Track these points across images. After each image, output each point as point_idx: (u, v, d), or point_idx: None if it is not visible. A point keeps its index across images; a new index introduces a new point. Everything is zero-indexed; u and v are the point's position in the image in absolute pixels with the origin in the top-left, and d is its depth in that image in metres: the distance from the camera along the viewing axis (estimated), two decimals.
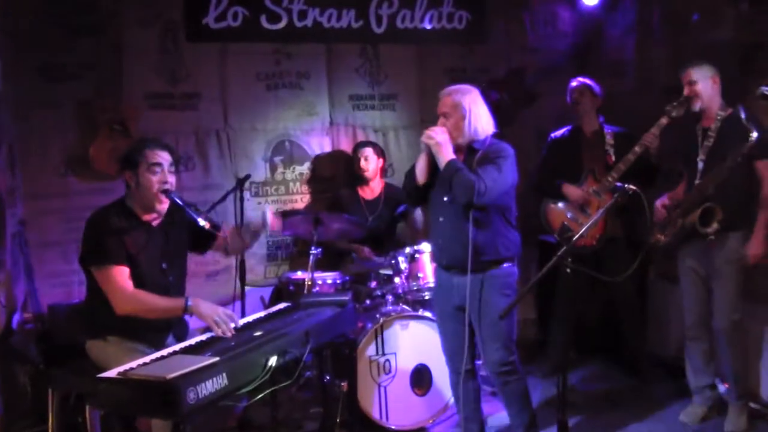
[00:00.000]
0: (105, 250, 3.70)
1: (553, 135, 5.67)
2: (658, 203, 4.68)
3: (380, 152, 6.00)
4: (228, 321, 3.65)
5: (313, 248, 5.08)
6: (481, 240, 4.00)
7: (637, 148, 4.93)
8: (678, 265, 4.78)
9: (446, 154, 3.97)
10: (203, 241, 4.21)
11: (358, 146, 5.99)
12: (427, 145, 4.03)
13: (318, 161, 6.30)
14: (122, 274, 3.70)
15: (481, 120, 4.09)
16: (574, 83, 5.56)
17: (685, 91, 4.54)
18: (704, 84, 4.50)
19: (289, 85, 6.19)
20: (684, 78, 4.56)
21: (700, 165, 4.51)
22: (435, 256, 4.39)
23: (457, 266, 4.07)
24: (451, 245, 4.08)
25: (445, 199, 4.07)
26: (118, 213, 3.83)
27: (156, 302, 3.73)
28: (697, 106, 4.54)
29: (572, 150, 5.47)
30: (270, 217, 4.29)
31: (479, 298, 4.04)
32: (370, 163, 5.87)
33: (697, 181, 4.50)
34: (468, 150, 4.10)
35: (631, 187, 3.61)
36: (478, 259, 4.01)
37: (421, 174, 4.14)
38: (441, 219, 4.13)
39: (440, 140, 3.98)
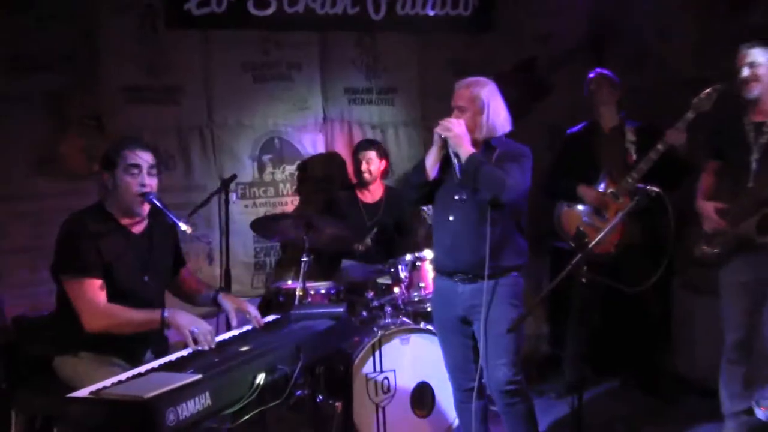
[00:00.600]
0: (79, 261, 3.68)
1: (569, 131, 5.66)
2: (710, 209, 4.53)
3: (383, 153, 6.00)
4: (208, 335, 3.64)
5: (304, 255, 5.06)
6: (494, 244, 4.00)
7: (660, 147, 4.92)
8: (721, 279, 4.60)
9: (468, 147, 3.99)
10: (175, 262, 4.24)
11: (360, 148, 5.99)
12: (441, 137, 4.02)
13: (310, 160, 6.29)
14: (95, 288, 3.68)
15: (499, 116, 4.11)
16: (591, 74, 5.55)
17: (744, 73, 4.37)
18: (767, 68, 4.35)
19: (279, 77, 6.18)
20: (742, 60, 4.38)
21: (754, 165, 4.36)
22: (438, 261, 4.35)
23: (466, 272, 4.08)
24: (461, 248, 4.07)
25: (457, 197, 4.07)
26: (95, 218, 3.82)
27: (130, 316, 3.69)
28: (754, 92, 4.38)
29: (589, 148, 5.46)
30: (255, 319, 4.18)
31: (487, 309, 4.03)
32: (372, 166, 5.88)
33: (750, 185, 4.37)
34: (485, 146, 4.12)
35: (654, 188, 3.60)
36: (486, 266, 3.99)
37: (431, 168, 4.14)
38: (451, 218, 4.11)
39: (459, 132, 3.99)
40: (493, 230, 3.98)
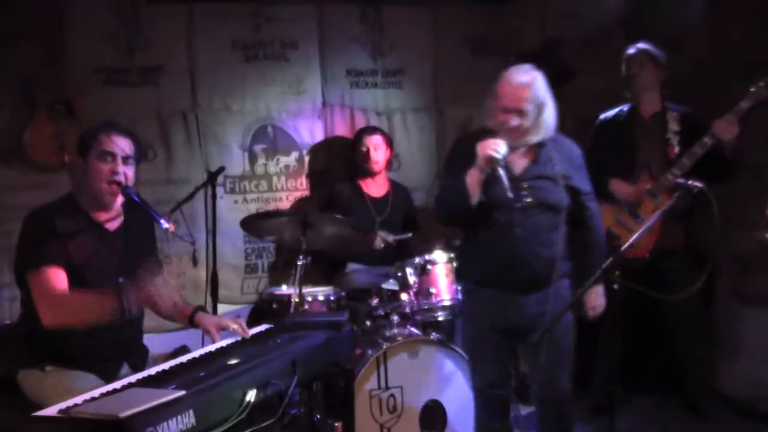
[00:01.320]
0: (39, 251, 3.67)
1: (602, 116, 5.61)
2: None
3: (389, 142, 5.99)
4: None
5: (300, 257, 5.03)
6: (561, 250, 4.09)
7: (706, 140, 4.89)
8: None
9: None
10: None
11: (364, 133, 5.99)
12: (492, 157, 4.00)
13: (308, 151, 6.28)
14: (53, 275, 3.67)
15: (553, 113, 4.12)
16: (631, 50, 5.45)
17: None
18: None
19: (272, 56, 6.20)
20: None
21: None
22: (487, 274, 4.30)
23: (533, 280, 4.11)
24: (529, 257, 4.09)
25: (519, 204, 4.09)
26: (63, 211, 3.81)
27: (88, 301, 3.68)
28: None
29: (625, 137, 5.39)
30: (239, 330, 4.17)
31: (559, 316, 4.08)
32: (380, 153, 5.87)
33: None
34: (537, 147, 4.15)
35: (696, 183, 3.56)
36: (555, 273, 4.08)
37: (475, 192, 4.11)
38: (518, 230, 4.11)
39: (505, 153, 3.99)
40: (560, 236, 4.10)
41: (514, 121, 4.03)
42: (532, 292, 4.12)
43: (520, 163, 4.15)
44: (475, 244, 4.29)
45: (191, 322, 4.08)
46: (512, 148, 4.04)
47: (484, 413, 4.39)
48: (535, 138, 4.09)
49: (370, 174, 5.94)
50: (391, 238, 5.64)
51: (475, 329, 4.35)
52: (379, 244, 5.65)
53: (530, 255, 4.08)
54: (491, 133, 4.06)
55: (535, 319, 4.08)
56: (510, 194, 3.96)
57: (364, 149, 5.89)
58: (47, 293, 3.65)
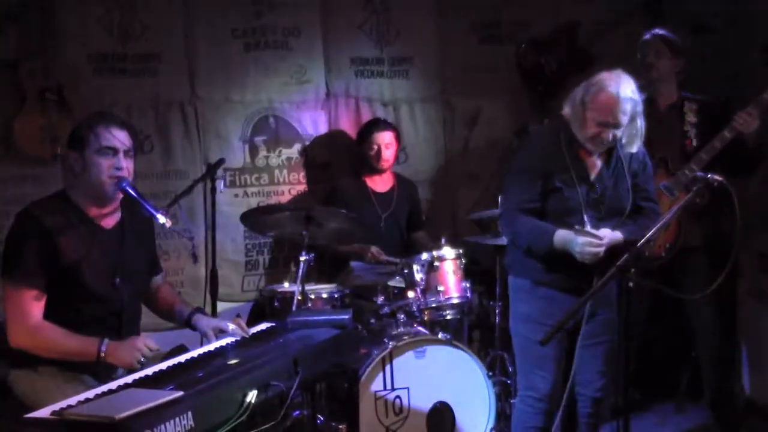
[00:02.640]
0: (20, 265, 3.66)
1: None
2: None
3: (399, 136, 5.99)
4: (143, 347, 3.63)
5: (303, 254, 5.04)
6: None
7: (726, 133, 4.87)
8: None
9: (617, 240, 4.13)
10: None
11: (374, 129, 5.96)
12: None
13: (311, 143, 6.29)
14: (31, 301, 3.66)
15: (643, 120, 4.22)
16: (647, 37, 5.44)
17: None
18: None
19: (274, 44, 6.19)
20: None
21: None
22: (546, 273, 4.34)
23: (588, 282, 4.10)
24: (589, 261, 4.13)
25: (590, 213, 4.19)
26: (56, 208, 3.78)
27: (60, 340, 3.67)
28: None
29: None
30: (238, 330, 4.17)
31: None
32: (390, 151, 5.88)
33: None
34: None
35: (716, 177, 3.56)
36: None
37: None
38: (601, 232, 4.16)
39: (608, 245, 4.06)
40: None
41: (610, 136, 4.10)
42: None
43: (595, 165, 4.23)
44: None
45: (188, 324, 4.09)
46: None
47: (525, 415, 4.45)
48: (631, 149, 4.22)
49: (378, 172, 5.96)
50: (383, 257, 5.65)
51: (532, 330, 4.32)
52: (369, 260, 5.66)
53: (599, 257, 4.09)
54: (568, 136, 4.20)
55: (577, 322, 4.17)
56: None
57: (375, 147, 5.89)
58: (18, 317, 3.65)
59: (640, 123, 4.13)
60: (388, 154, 5.89)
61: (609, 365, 4.35)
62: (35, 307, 3.66)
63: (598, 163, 4.23)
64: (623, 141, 4.17)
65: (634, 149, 4.19)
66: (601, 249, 4.00)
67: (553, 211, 4.20)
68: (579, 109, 4.12)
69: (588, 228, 4.05)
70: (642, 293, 4.13)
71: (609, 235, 4.06)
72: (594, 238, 4.00)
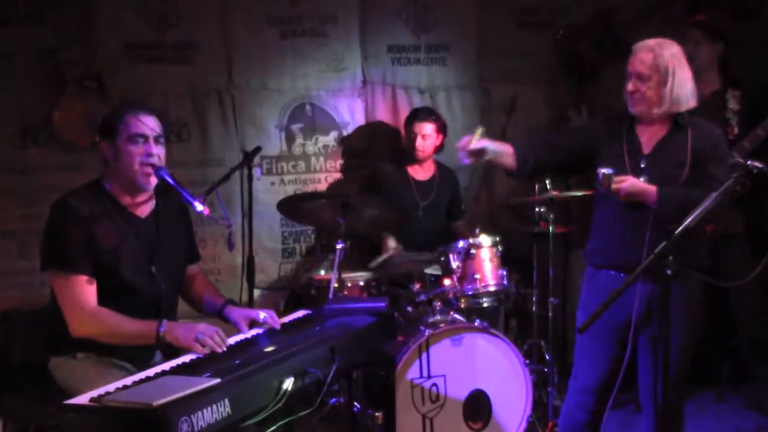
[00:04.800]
0: (66, 252, 3.66)
1: None
2: None
3: (442, 127, 5.96)
4: (215, 335, 3.62)
5: (340, 242, 5.05)
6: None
7: None
8: None
9: (647, 194, 4.00)
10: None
11: (415, 118, 5.92)
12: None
13: (349, 131, 6.29)
14: (82, 285, 3.67)
15: (684, 87, 4.07)
16: (686, 26, 5.39)
17: None
18: None
19: (311, 32, 6.19)
20: None
21: None
22: (606, 256, 4.25)
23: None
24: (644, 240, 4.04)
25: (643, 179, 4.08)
26: (91, 198, 3.78)
27: (120, 324, 3.67)
28: None
29: None
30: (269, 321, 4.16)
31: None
32: (428, 142, 5.86)
33: None
34: (674, 126, 4.11)
35: (756, 164, 3.52)
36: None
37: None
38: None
39: (630, 189, 3.99)
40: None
41: (631, 86, 4.05)
42: (651, 282, 3.99)
43: (652, 138, 4.13)
44: (598, 223, 4.28)
45: (220, 316, 4.09)
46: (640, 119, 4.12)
47: (569, 406, 4.40)
48: (656, 109, 4.05)
49: (415, 160, 5.95)
50: (393, 246, 5.67)
51: (582, 318, 4.27)
52: (385, 249, 5.67)
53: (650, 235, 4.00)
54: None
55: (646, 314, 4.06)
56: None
57: (412, 136, 5.88)
58: (75, 305, 3.66)
59: (668, 89, 4.00)
60: (424, 145, 5.87)
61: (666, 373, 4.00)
62: (89, 292, 3.67)
63: (656, 137, 4.12)
64: (670, 101, 4.03)
65: (682, 107, 4.04)
66: (621, 184, 3.94)
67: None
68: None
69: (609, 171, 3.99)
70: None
71: (633, 180, 3.98)
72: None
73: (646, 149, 4.11)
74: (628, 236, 4.07)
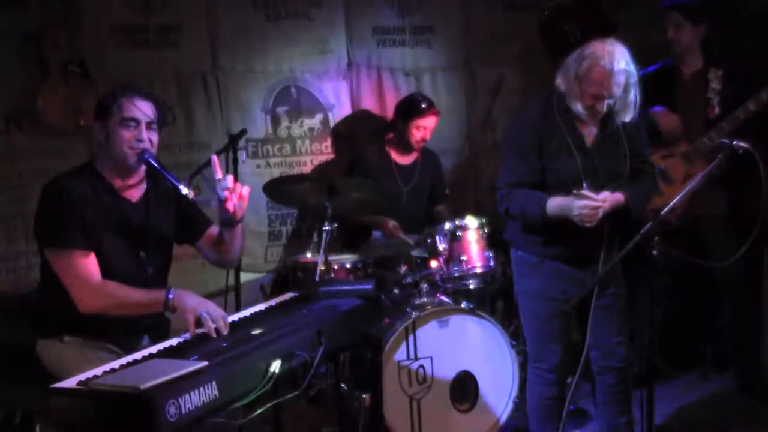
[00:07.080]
0: (66, 230, 3.66)
1: (641, 73, 5.55)
2: None
3: (437, 114, 5.94)
4: (220, 320, 3.61)
5: (326, 224, 5.05)
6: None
7: (751, 105, 4.82)
8: None
9: (620, 202, 4.11)
10: (193, 227, 4.19)
11: (416, 114, 5.84)
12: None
13: (333, 113, 6.28)
14: (86, 261, 3.67)
15: (638, 89, 4.18)
16: (664, 6, 5.36)
17: None
18: None
19: (295, 14, 6.18)
20: None
21: None
22: (551, 247, 4.32)
23: (593, 254, 4.25)
24: (592, 230, 4.14)
25: (590, 181, 4.13)
26: (82, 179, 3.78)
27: (129, 295, 3.67)
28: None
29: (663, 96, 5.32)
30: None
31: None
32: (428, 134, 5.87)
33: None
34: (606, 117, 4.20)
35: (741, 144, 3.53)
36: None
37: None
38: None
39: (610, 208, 4.06)
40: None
41: (604, 107, 4.08)
42: (592, 265, 4.22)
43: (590, 133, 4.21)
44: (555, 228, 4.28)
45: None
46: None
47: (539, 386, 4.47)
48: (624, 118, 4.16)
49: (409, 149, 5.95)
50: (400, 234, 5.66)
51: (541, 305, 4.37)
52: (387, 234, 5.69)
53: (594, 227, 4.09)
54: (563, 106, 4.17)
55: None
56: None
57: (413, 130, 5.83)
58: (81, 280, 3.65)
59: (634, 93, 4.08)
60: (423, 137, 5.87)
61: (625, 335, 4.37)
62: (92, 265, 3.68)
63: (594, 130, 4.20)
64: (616, 108, 4.13)
65: (627, 118, 4.14)
66: (599, 211, 3.97)
67: (552, 183, 4.16)
68: (573, 83, 4.09)
69: (586, 192, 4.01)
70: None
71: (610, 197, 4.03)
72: (592, 201, 3.97)
73: (588, 142, 4.20)
74: (586, 230, 4.09)
